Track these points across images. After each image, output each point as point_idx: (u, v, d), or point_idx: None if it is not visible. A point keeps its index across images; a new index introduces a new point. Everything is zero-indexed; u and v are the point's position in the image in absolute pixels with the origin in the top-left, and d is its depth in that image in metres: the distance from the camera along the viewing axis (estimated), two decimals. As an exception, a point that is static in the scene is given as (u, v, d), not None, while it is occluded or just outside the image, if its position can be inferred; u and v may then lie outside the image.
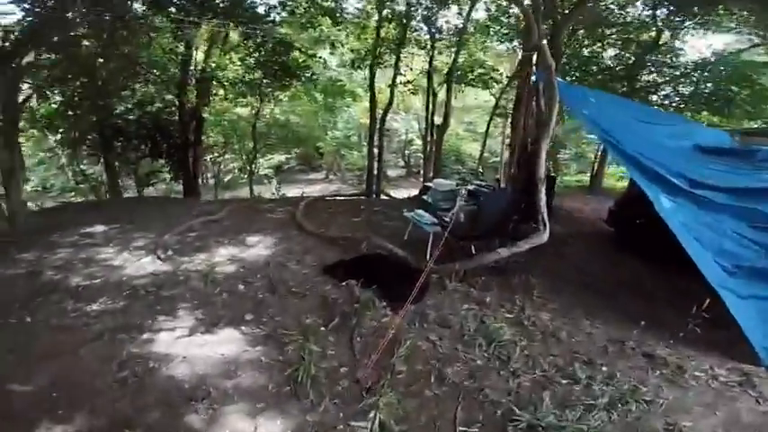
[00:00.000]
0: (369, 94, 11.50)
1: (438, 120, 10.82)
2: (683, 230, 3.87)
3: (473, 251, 4.90)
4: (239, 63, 11.04)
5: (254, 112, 13.35)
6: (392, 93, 11.21)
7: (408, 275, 3.94)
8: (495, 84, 12.48)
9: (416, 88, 12.08)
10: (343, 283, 4.20)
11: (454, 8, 10.39)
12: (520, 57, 8.47)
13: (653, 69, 11.39)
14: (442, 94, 11.18)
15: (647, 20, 10.26)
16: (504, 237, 4.95)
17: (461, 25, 10.28)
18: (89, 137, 10.73)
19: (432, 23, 10.56)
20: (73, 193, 13.39)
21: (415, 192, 11.22)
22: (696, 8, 9.08)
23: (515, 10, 9.52)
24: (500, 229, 5.16)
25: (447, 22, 11.00)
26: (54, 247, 5.20)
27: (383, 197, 10.68)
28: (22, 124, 9.10)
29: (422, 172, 21.72)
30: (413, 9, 10.24)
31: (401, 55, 10.85)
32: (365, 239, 5.20)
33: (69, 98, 9.99)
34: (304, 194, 9.97)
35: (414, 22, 10.78)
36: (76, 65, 8.85)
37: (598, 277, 5.09)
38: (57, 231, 5.82)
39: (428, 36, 11.00)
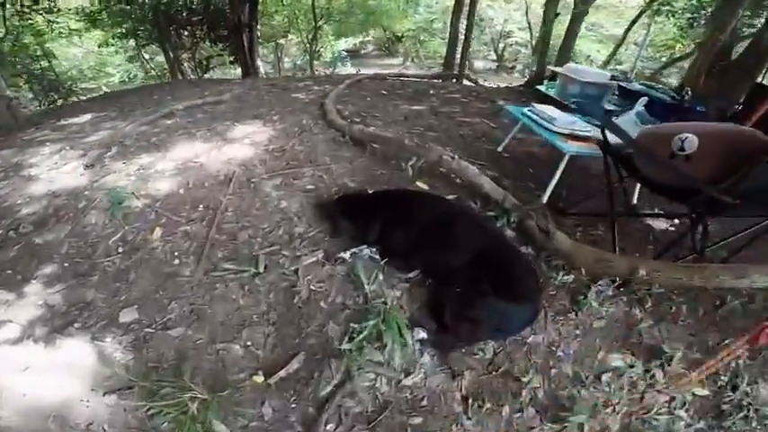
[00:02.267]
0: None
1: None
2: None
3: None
4: None
5: None
6: None
7: (497, 257, 1.78)
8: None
9: None
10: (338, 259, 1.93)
11: None
12: None
13: None
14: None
15: None
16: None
17: None
18: (141, 28, 10.29)
19: None
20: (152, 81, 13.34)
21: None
22: None
23: None
24: None
25: None
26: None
27: (465, 82, 7.49)
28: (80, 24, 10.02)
29: (519, 67, 17.98)
30: None
31: None
32: (420, 149, 2.58)
33: None
34: (359, 72, 7.38)
35: None
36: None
37: None
38: (35, 126, 4.41)
39: None
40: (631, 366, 1.62)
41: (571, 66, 3.79)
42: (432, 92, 4.74)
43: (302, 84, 5.31)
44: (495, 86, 5.65)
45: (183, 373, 1.50)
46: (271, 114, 3.77)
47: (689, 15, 9.79)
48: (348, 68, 16.24)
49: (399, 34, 18.30)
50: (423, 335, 1.62)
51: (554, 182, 2.45)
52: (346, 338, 1.59)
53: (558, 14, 6.28)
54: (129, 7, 9.59)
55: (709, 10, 8.85)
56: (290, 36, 15.64)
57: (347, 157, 2.76)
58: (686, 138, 1.77)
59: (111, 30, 10.57)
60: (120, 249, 2.03)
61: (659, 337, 1.75)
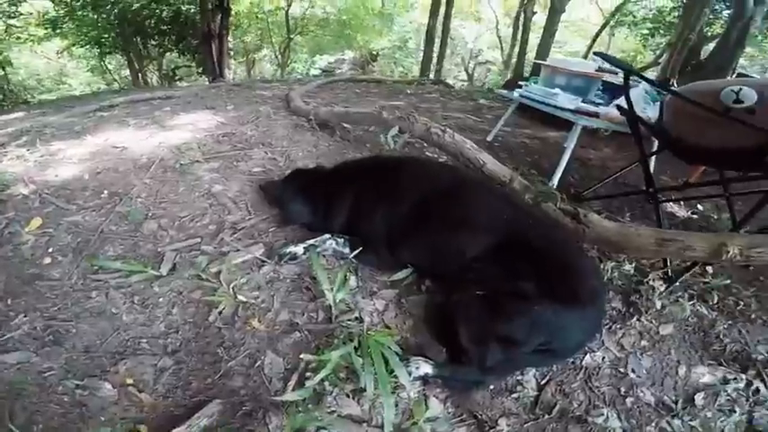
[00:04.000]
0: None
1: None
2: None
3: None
4: None
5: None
6: None
7: (536, 240, 1.15)
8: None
9: None
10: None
11: None
12: None
13: None
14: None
15: None
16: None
17: None
18: (105, 36, 9.64)
19: None
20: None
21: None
22: None
23: None
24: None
25: None
26: None
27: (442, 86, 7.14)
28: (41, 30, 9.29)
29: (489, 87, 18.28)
30: None
31: None
32: (403, 121, 1.95)
33: None
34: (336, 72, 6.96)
35: None
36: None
37: None
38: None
39: None
40: (726, 381, 1.14)
41: (556, 58, 3.50)
42: (409, 91, 4.34)
43: (269, 84, 4.80)
44: (475, 88, 5.29)
45: (11, 419, 0.90)
46: (225, 106, 3.22)
47: (650, 25, 10.09)
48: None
49: (375, 53, 18.30)
50: (426, 369, 1.05)
51: (564, 163, 2.01)
52: (294, 379, 1.02)
53: (534, 13, 6.13)
54: (94, 15, 9.00)
55: (668, 19, 9.20)
56: (263, 51, 15.30)
57: (311, 141, 2.23)
58: (740, 89, 1.37)
59: (73, 36, 9.89)
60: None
61: (742, 339, 1.29)
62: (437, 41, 9.10)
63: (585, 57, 12.06)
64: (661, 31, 9.50)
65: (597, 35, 11.30)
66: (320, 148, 2.15)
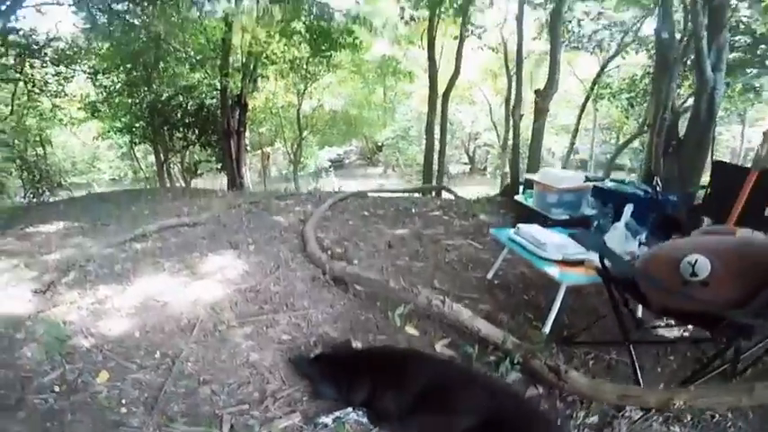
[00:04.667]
0: (428, 66, 8.86)
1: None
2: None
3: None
4: (279, 37, 9.40)
5: (299, 93, 11.84)
6: (458, 60, 8.32)
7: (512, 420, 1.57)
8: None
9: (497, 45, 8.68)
10: None
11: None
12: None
13: None
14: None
15: None
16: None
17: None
18: (136, 125, 10.37)
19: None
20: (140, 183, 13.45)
21: (487, 190, 8.40)
22: None
23: None
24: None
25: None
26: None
27: (445, 195, 7.67)
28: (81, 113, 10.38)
29: (490, 169, 19.03)
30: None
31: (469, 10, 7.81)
32: (407, 293, 2.34)
33: (123, 82, 9.74)
34: (341, 189, 7.57)
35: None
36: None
37: None
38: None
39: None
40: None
41: (546, 172, 3.82)
42: (414, 210, 4.73)
43: (283, 203, 5.32)
44: (475, 198, 5.71)
45: None
46: (247, 243, 3.64)
47: (627, 95, 10.61)
48: (332, 179, 17.01)
49: (379, 144, 19.65)
50: None
51: (554, 313, 2.24)
52: None
53: (522, 116, 6.69)
54: (129, 100, 9.89)
55: (641, 86, 9.57)
56: (276, 145, 16.55)
57: (328, 300, 2.55)
58: (696, 261, 1.61)
59: (110, 121, 10.86)
60: (57, 389, 1.76)
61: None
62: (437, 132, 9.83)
63: (576, 131, 12.44)
64: (638, 99, 10.04)
65: (582, 108, 11.94)
66: (336, 308, 2.46)
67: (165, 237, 3.85)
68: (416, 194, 7.10)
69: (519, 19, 6.61)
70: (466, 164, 21.40)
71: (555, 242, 2.46)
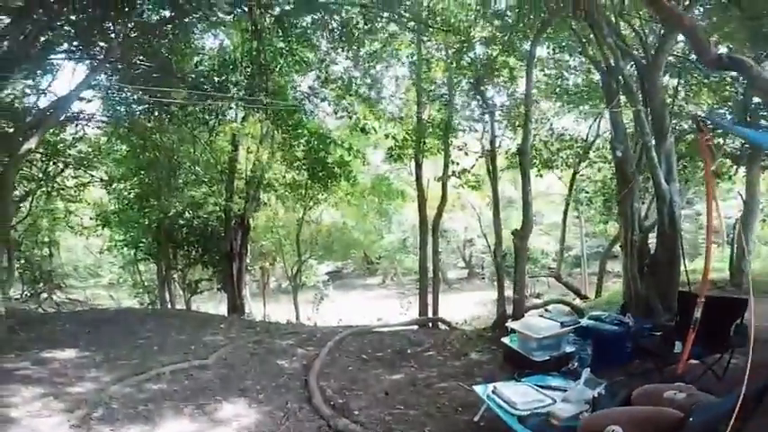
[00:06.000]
0: (417, 191, 9.73)
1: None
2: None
3: None
4: (282, 161, 10.23)
5: (299, 216, 12.39)
6: (444, 188, 9.24)
7: None
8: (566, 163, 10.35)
9: (477, 181, 9.69)
10: None
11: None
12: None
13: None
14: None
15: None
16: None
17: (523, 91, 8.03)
18: (143, 239, 10.53)
19: (482, 92, 8.44)
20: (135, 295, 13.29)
21: (484, 296, 8.57)
22: None
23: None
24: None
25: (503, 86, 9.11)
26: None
27: (441, 326, 7.93)
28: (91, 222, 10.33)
29: (488, 273, 19.31)
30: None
31: (450, 139, 8.84)
32: None
33: (135, 194, 9.88)
34: (340, 323, 7.82)
35: (461, 99, 9.08)
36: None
37: None
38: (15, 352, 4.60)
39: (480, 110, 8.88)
40: None
41: (525, 322, 4.22)
42: (409, 351, 5.02)
43: (285, 343, 5.57)
44: (468, 335, 5.93)
45: None
46: (256, 389, 3.94)
47: (602, 198, 10.96)
48: (330, 292, 17.21)
49: (377, 256, 20.17)
50: None
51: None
52: None
53: (504, 255, 7.16)
54: (139, 213, 9.85)
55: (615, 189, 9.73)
56: (276, 259, 16.87)
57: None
58: (612, 430, 1.93)
59: (117, 233, 10.91)
60: None
61: None
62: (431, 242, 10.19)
63: (563, 231, 12.77)
64: (613, 201, 9.74)
65: (566, 211, 12.20)
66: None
67: (178, 378, 4.13)
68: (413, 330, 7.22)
69: (492, 157, 7.45)
70: (463, 268, 21.80)
71: (526, 398, 2.78)
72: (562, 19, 6.25)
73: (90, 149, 9.43)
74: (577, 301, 9.95)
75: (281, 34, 7.76)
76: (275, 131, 9.33)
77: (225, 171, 9.99)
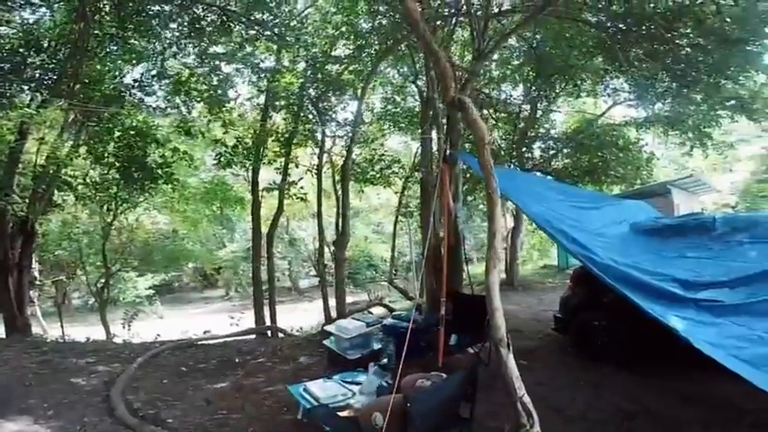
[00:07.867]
0: (251, 199, 9.44)
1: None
2: (722, 354, 2.41)
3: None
4: (87, 156, 8.64)
5: (106, 221, 10.63)
6: (281, 197, 9.27)
7: None
8: (397, 179, 11.50)
9: (305, 193, 9.96)
10: None
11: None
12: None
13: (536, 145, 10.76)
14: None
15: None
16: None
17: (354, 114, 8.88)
18: None
19: (322, 112, 8.80)
20: None
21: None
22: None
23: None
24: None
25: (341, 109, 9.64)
26: None
27: (280, 335, 7.85)
28: None
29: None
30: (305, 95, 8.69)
31: (291, 151, 8.98)
32: None
33: None
34: (158, 337, 7.08)
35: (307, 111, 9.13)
36: None
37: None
38: None
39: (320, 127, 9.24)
40: None
41: (339, 324, 4.65)
42: (237, 360, 4.92)
43: (84, 361, 4.85)
44: (300, 339, 6.10)
45: None
46: (43, 407, 3.42)
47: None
48: (158, 307, 15.12)
49: (218, 267, 18.44)
50: None
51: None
52: None
53: (325, 265, 7.45)
54: None
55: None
56: (78, 273, 13.87)
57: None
58: (376, 416, 2.50)
59: None
60: None
61: None
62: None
63: (394, 239, 14.07)
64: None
65: (395, 222, 13.50)
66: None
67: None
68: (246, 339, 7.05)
69: (319, 171, 7.83)
70: (315, 276, 21.93)
71: (328, 393, 3.14)
72: (407, 47, 6.87)
73: None
74: (406, 303, 11.08)
75: (115, 19, 6.82)
76: (83, 123, 7.98)
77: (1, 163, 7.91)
